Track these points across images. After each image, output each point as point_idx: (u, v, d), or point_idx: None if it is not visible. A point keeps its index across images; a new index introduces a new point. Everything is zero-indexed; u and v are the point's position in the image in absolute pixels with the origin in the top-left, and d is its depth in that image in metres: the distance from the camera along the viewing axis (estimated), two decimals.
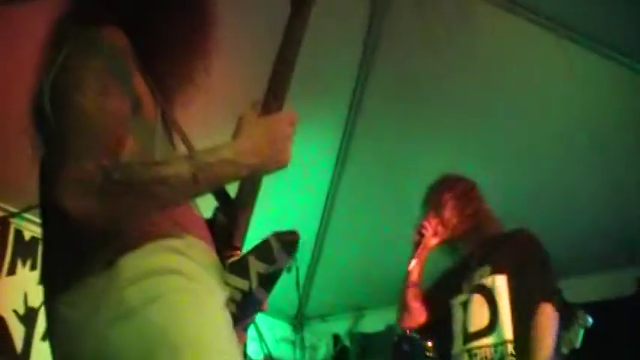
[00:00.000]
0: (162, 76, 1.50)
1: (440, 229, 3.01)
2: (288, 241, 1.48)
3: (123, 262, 1.29)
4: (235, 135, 1.48)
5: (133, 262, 1.30)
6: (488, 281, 2.81)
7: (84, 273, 1.29)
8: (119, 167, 1.25)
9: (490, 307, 2.77)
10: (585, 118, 3.81)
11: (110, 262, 1.29)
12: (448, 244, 3.07)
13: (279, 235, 1.48)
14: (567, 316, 2.69)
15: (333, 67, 3.98)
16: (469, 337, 2.80)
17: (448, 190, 3.08)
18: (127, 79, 1.37)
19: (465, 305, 2.86)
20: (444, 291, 3.00)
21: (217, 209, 1.59)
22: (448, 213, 3.02)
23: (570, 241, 3.81)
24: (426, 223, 3.01)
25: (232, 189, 1.57)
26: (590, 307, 2.81)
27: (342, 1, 3.68)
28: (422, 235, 2.99)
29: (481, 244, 2.98)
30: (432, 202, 3.09)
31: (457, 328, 2.87)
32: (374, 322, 4.77)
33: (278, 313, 4.82)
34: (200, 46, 1.56)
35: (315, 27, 3.55)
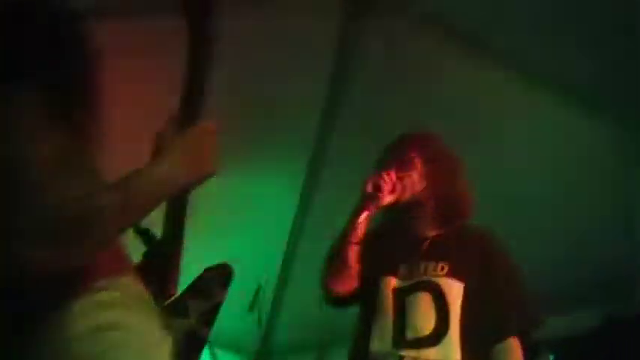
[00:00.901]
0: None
1: (399, 187, 2.51)
2: (222, 275, 1.48)
3: (66, 314, 1.27)
4: (157, 154, 1.46)
5: (77, 315, 1.28)
6: (442, 282, 2.37)
7: (29, 320, 1.27)
8: (58, 206, 1.24)
9: (439, 313, 2.33)
10: (550, 161, 3.86)
11: (54, 311, 1.27)
12: (400, 209, 2.56)
13: (213, 271, 1.48)
14: (531, 354, 2.37)
15: (298, 102, 3.97)
16: (405, 341, 2.31)
17: (419, 147, 2.61)
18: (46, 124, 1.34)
19: (402, 297, 2.40)
20: (375, 261, 2.50)
21: (146, 254, 1.57)
22: (414, 173, 2.54)
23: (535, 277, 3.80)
24: (385, 176, 2.49)
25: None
26: (554, 344, 2.66)
27: (310, 37, 3.66)
28: (378, 188, 2.47)
29: (439, 228, 2.54)
30: (397, 154, 2.61)
31: (385, 322, 2.38)
32: None
33: (240, 350, 4.74)
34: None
35: (282, 61, 3.67)
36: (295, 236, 4.61)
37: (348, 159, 3.99)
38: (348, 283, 2.48)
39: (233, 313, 3.27)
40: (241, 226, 3.88)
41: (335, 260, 2.50)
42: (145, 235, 1.56)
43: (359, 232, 2.47)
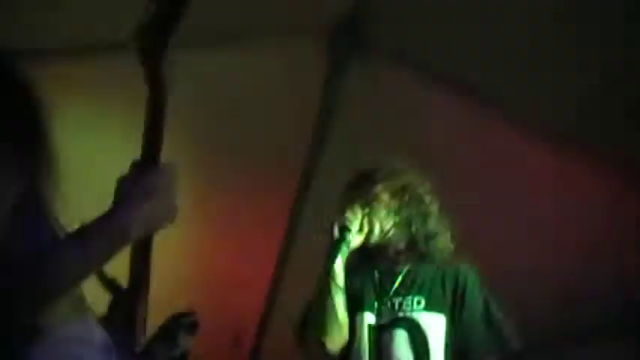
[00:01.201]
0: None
1: (366, 226, 2.40)
2: (188, 323, 1.48)
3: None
4: (116, 200, 1.40)
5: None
6: (420, 317, 2.29)
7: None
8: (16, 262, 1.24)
9: (418, 349, 2.25)
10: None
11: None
12: (370, 246, 2.43)
13: (178, 319, 1.43)
14: None
15: (283, 150, 3.95)
16: None
17: (384, 180, 2.48)
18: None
19: (379, 335, 2.31)
20: (347, 298, 2.36)
21: (112, 304, 1.53)
22: (380, 210, 2.42)
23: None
24: (350, 215, 2.38)
25: None
26: None
27: (291, 97, 3.70)
28: (346, 230, 2.35)
29: (412, 263, 2.42)
30: (362, 189, 2.47)
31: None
32: None
33: None
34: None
35: (269, 115, 3.65)
36: (274, 294, 4.51)
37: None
38: (341, 339, 2.35)
39: None
40: (213, 274, 3.82)
41: (324, 313, 2.34)
42: (110, 285, 1.54)
43: (339, 279, 2.35)
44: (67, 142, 1.52)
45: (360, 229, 2.39)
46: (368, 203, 2.42)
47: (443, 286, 2.36)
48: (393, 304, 2.34)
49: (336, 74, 3.75)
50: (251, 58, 3.51)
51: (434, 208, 2.48)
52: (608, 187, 3.62)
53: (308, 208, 4.25)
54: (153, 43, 1.37)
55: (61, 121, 1.49)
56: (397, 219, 2.43)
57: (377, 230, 2.41)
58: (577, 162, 3.62)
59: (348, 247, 2.37)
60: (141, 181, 1.39)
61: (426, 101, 3.68)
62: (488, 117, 3.65)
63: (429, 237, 2.43)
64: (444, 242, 2.44)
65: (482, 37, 3.33)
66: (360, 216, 2.38)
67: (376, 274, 2.44)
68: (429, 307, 2.29)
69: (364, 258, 2.47)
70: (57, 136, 1.46)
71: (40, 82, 1.42)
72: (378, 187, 2.45)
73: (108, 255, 1.33)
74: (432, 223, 2.45)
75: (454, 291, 2.34)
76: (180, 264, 4.01)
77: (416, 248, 2.42)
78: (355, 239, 2.38)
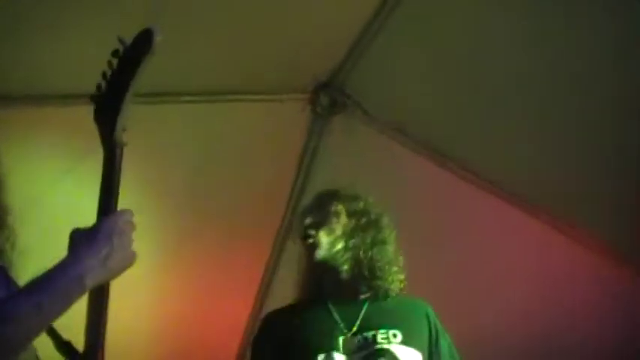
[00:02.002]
0: None
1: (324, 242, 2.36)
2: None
3: None
4: (70, 249, 1.39)
5: None
6: (399, 351, 2.19)
7: None
8: None
9: None
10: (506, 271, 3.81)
11: None
12: (322, 270, 2.35)
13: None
14: None
15: (261, 205, 3.95)
16: None
17: (345, 200, 2.47)
18: None
19: None
20: (306, 337, 2.27)
21: None
22: (336, 227, 2.39)
23: None
24: (308, 231, 2.37)
25: None
26: None
27: (273, 150, 3.73)
28: (312, 245, 2.35)
29: (368, 294, 2.34)
30: (321, 206, 2.46)
31: None
32: None
33: None
34: None
35: (249, 170, 3.67)
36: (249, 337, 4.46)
37: None
38: None
39: None
40: (187, 322, 3.76)
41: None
42: (65, 348, 1.48)
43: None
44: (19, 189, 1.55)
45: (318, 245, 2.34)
46: (325, 217, 2.40)
47: (416, 321, 2.31)
48: (365, 338, 2.23)
49: (318, 129, 3.81)
50: (236, 112, 3.55)
51: (391, 239, 2.44)
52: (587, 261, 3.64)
53: (285, 260, 4.23)
54: (107, 107, 1.43)
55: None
56: (350, 241, 2.37)
57: (326, 245, 2.35)
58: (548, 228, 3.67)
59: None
60: (94, 229, 1.37)
61: (402, 159, 3.73)
62: (463, 179, 3.70)
63: (380, 267, 2.35)
64: (396, 274, 2.39)
65: (455, 99, 3.41)
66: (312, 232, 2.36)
67: (332, 309, 2.33)
68: (406, 342, 2.21)
69: (311, 293, 2.40)
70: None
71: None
72: (338, 205, 2.44)
73: (63, 308, 1.29)
74: (387, 253, 2.40)
75: (429, 330, 2.30)
76: (151, 312, 3.97)
77: (364, 277, 2.34)
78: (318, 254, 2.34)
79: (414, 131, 3.65)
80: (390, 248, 2.41)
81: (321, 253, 2.35)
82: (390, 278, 2.36)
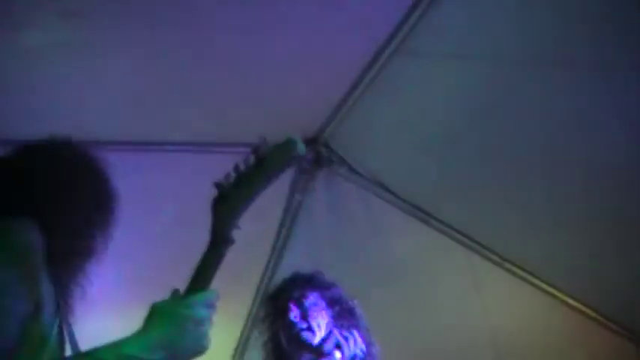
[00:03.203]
0: (68, 257, 1.47)
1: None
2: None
3: None
4: (145, 325, 1.35)
5: None
6: None
7: None
8: None
9: None
10: (491, 334, 3.78)
11: None
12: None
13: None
14: None
15: (242, 260, 3.91)
16: None
17: (316, 288, 2.52)
18: (33, 280, 1.33)
19: None
20: None
21: None
22: (318, 315, 2.43)
23: None
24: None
25: None
26: None
27: (255, 204, 3.69)
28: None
29: None
30: (294, 291, 2.51)
31: None
32: None
33: None
34: (102, 223, 1.57)
35: None
36: None
37: None
38: None
39: None
40: None
41: None
42: None
43: None
44: None
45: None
46: (299, 301, 2.43)
47: None
48: None
49: (302, 184, 3.81)
50: (218, 163, 3.54)
51: (363, 323, 2.52)
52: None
53: None
54: (228, 200, 1.46)
55: None
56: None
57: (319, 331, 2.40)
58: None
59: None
60: (174, 309, 1.35)
61: (386, 215, 3.73)
62: (448, 236, 3.71)
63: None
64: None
65: (440, 157, 3.45)
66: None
67: None
68: None
69: None
70: None
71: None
72: (315, 294, 2.49)
73: None
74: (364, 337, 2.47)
75: None
76: None
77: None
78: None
79: (398, 188, 3.67)
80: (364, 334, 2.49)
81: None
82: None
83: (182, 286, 3.95)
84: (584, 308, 3.64)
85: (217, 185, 1.46)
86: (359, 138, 3.58)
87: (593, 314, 3.64)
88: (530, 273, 3.65)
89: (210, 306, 1.38)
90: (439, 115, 3.28)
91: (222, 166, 3.47)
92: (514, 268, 3.65)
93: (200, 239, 3.82)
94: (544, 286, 3.64)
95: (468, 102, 3.16)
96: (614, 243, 3.31)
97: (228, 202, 1.45)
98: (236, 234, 4.26)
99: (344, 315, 2.48)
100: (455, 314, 3.84)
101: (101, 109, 3.01)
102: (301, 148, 1.41)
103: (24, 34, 2.62)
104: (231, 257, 3.69)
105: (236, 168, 1.45)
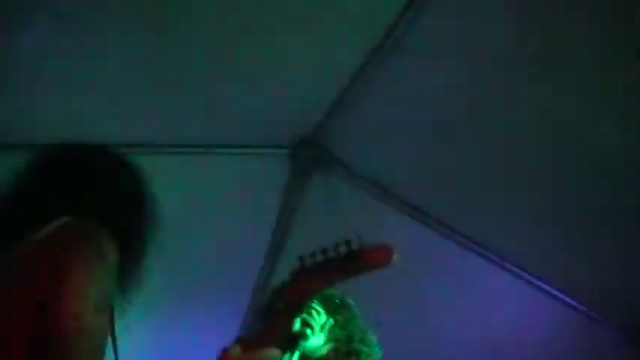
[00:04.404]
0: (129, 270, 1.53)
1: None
2: None
3: None
4: None
5: None
6: None
7: None
8: None
9: None
10: (490, 334, 3.77)
11: None
12: None
13: None
14: None
15: (237, 263, 3.90)
16: None
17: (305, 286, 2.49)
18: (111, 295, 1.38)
19: None
20: None
21: None
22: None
23: None
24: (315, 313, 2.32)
25: None
26: None
27: (250, 205, 3.71)
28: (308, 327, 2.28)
29: None
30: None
31: None
32: None
33: None
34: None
35: (225, 226, 3.62)
36: None
37: None
38: None
39: None
40: None
41: None
42: None
43: None
44: None
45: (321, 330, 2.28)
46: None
47: None
48: None
49: (298, 185, 3.76)
50: (218, 166, 3.53)
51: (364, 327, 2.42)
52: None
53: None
54: (302, 280, 1.41)
55: None
56: (334, 334, 2.31)
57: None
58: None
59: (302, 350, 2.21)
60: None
61: (383, 216, 3.70)
62: (446, 238, 3.68)
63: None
64: None
65: (438, 157, 3.42)
66: (323, 317, 2.28)
67: None
68: None
69: None
70: None
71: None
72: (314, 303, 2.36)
73: None
74: (369, 342, 2.37)
75: None
76: None
77: None
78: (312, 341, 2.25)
79: (395, 188, 3.65)
80: (369, 338, 2.38)
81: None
82: None
83: (178, 293, 3.93)
84: (584, 308, 3.62)
85: (301, 259, 1.42)
86: (355, 138, 3.55)
87: (593, 314, 3.63)
88: (530, 273, 3.63)
89: None
90: (436, 115, 3.25)
91: (221, 166, 3.47)
92: (514, 268, 3.63)
93: (199, 240, 3.79)
94: (544, 286, 3.62)
95: (464, 102, 3.14)
96: (613, 243, 3.31)
97: (302, 284, 1.43)
98: (232, 234, 4.22)
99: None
100: (454, 314, 3.81)
101: (99, 112, 2.99)
102: (396, 259, 1.37)
103: (18, 37, 2.59)
104: (227, 258, 3.70)
105: (324, 250, 1.40)
